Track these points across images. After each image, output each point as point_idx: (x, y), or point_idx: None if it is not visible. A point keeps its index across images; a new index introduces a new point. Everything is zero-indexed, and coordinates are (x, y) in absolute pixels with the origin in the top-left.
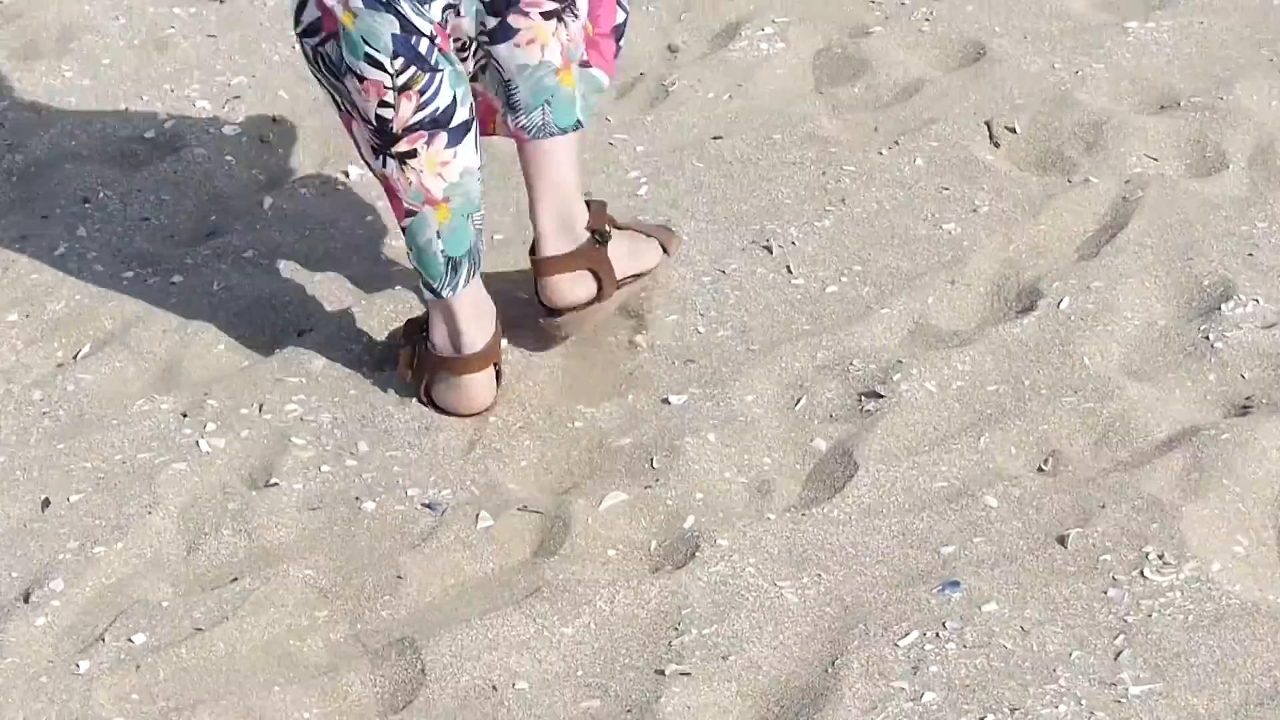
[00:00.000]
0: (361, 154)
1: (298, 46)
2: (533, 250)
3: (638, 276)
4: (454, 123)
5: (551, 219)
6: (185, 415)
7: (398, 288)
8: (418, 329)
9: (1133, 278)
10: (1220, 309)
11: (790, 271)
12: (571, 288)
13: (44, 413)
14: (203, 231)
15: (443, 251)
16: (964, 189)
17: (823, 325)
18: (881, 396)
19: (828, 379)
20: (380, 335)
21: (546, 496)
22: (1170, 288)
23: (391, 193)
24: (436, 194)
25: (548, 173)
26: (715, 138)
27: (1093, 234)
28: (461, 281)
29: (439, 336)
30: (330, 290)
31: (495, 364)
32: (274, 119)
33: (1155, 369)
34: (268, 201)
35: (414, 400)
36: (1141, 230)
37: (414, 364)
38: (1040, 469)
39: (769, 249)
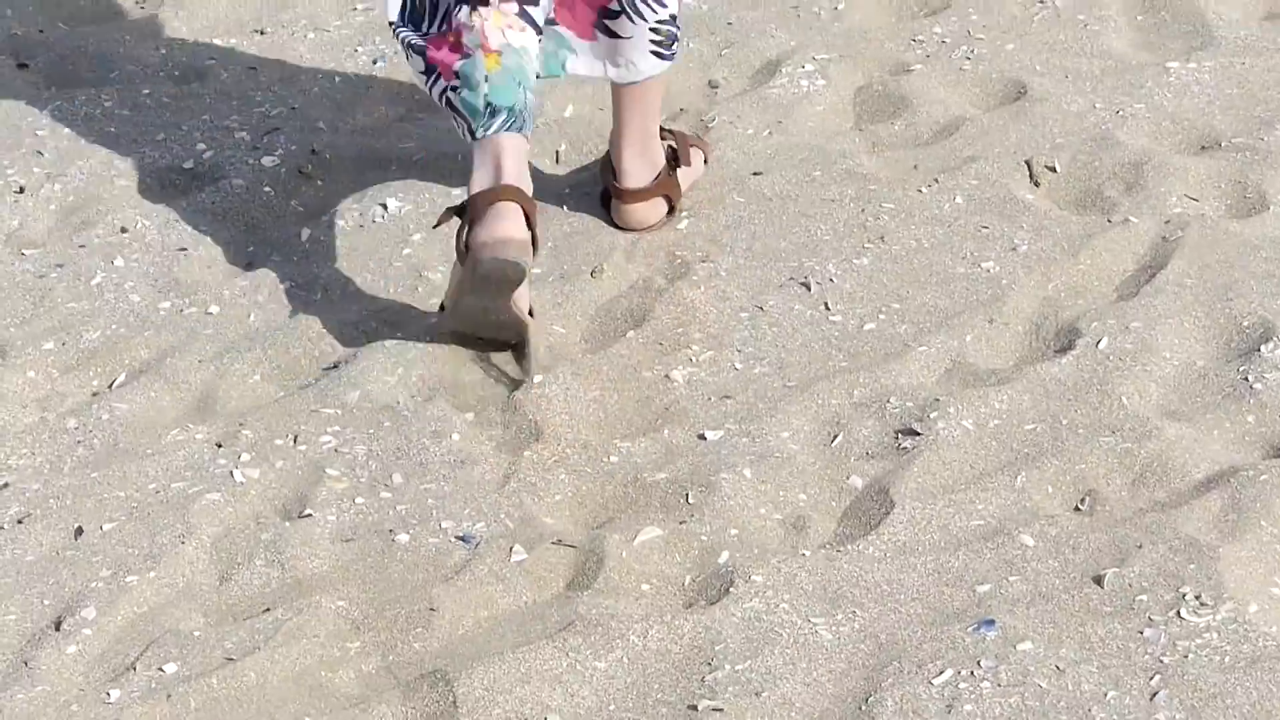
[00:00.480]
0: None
1: None
2: (611, 177)
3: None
4: (528, 8)
5: (634, 156)
6: (220, 445)
7: (433, 320)
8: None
9: (1172, 318)
10: (1259, 350)
11: (828, 308)
12: (648, 212)
13: (78, 441)
14: (240, 263)
15: (486, 96)
16: (1003, 227)
17: (860, 362)
18: (918, 434)
19: (865, 416)
20: (415, 369)
21: (581, 530)
22: (1209, 328)
23: (451, 45)
24: (492, 44)
25: (630, 116)
26: (755, 174)
27: (1132, 274)
28: (496, 125)
29: (476, 181)
30: (367, 323)
31: (529, 213)
32: (313, 151)
33: (1193, 409)
34: (305, 233)
35: (451, 434)
36: (1181, 271)
37: (461, 239)
38: (1077, 508)
39: (807, 286)
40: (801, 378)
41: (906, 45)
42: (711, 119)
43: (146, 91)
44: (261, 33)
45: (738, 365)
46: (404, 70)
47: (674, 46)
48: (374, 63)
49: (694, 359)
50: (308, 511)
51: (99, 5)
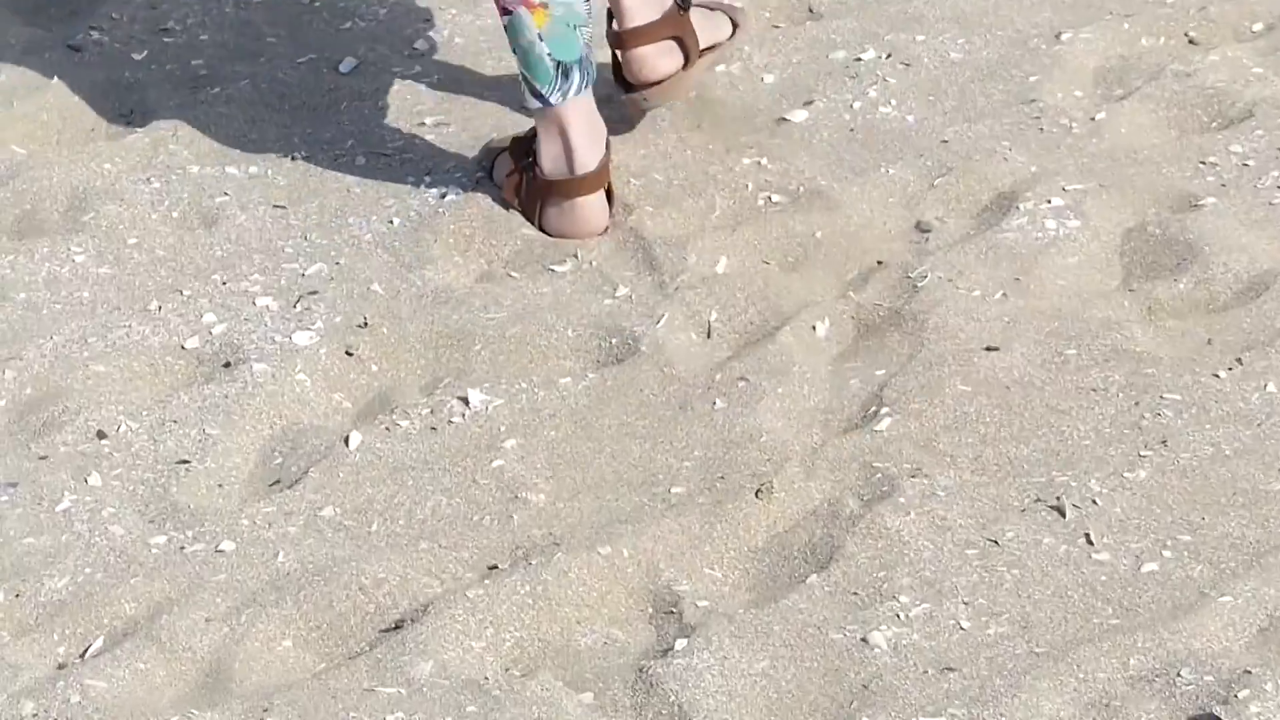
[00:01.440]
0: None
1: None
2: (613, 25)
3: (713, 48)
4: None
5: None
6: None
7: (534, 563)
8: (524, 153)
9: None
10: None
11: (1090, 542)
12: (659, 59)
13: None
14: (265, 480)
15: (549, 55)
16: None
17: (1137, 619)
18: None
19: (1145, 696)
20: (509, 629)
21: None
22: None
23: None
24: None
25: None
26: (987, 350)
27: None
28: (573, 89)
29: (549, 158)
30: (441, 566)
31: (608, 186)
32: (363, 323)
33: None
34: (355, 439)
35: None
36: None
37: (521, 190)
38: None
39: (1060, 510)
40: (1054, 641)
41: (1193, 170)
42: (921, 275)
43: (134, 241)
44: (293, 157)
45: (963, 623)
46: (483, 204)
47: None
48: (444, 196)
49: (902, 615)
50: None
51: (68, 121)
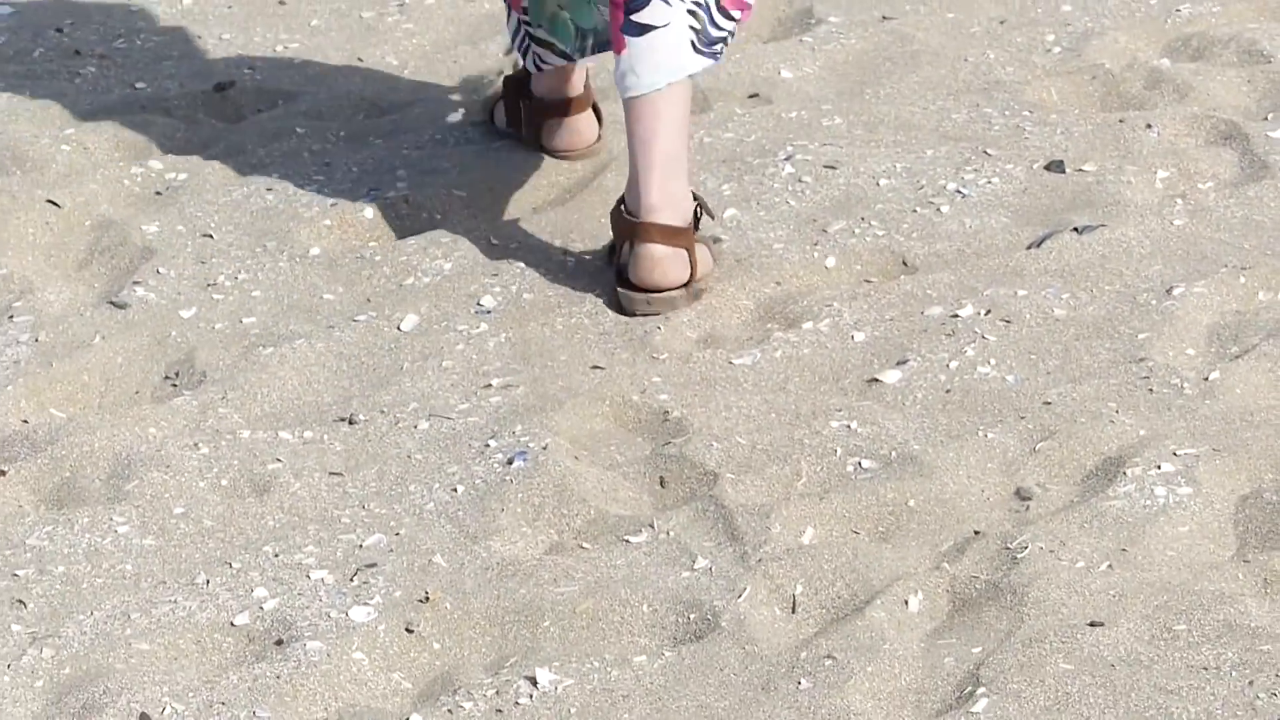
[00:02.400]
0: None
1: None
2: (626, 214)
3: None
4: None
5: (661, 193)
6: None
7: None
8: (518, 89)
9: None
10: None
11: None
12: (672, 265)
13: None
14: None
15: (571, 20)
16: None
17: None
18: None
19: None
20: None
21: None
22: None
23: None
24: None
25: (657, 142)
26: (1090, 625)
27: None
28: (589, 48)
29: (544, 88)
30: None
31: (595, 105)
32: (425, 598)
33: None
34: None
35: None
36: None
37: (522, 119)
38: None
39: None
40: None
41: None
42: (1021, 546)
43: (180, 510)
44: (351, 422)
45: None
46: (554, 471)
47: (717, 46)
48: (510, 463)
49: None
50: None
51: (111, 383)
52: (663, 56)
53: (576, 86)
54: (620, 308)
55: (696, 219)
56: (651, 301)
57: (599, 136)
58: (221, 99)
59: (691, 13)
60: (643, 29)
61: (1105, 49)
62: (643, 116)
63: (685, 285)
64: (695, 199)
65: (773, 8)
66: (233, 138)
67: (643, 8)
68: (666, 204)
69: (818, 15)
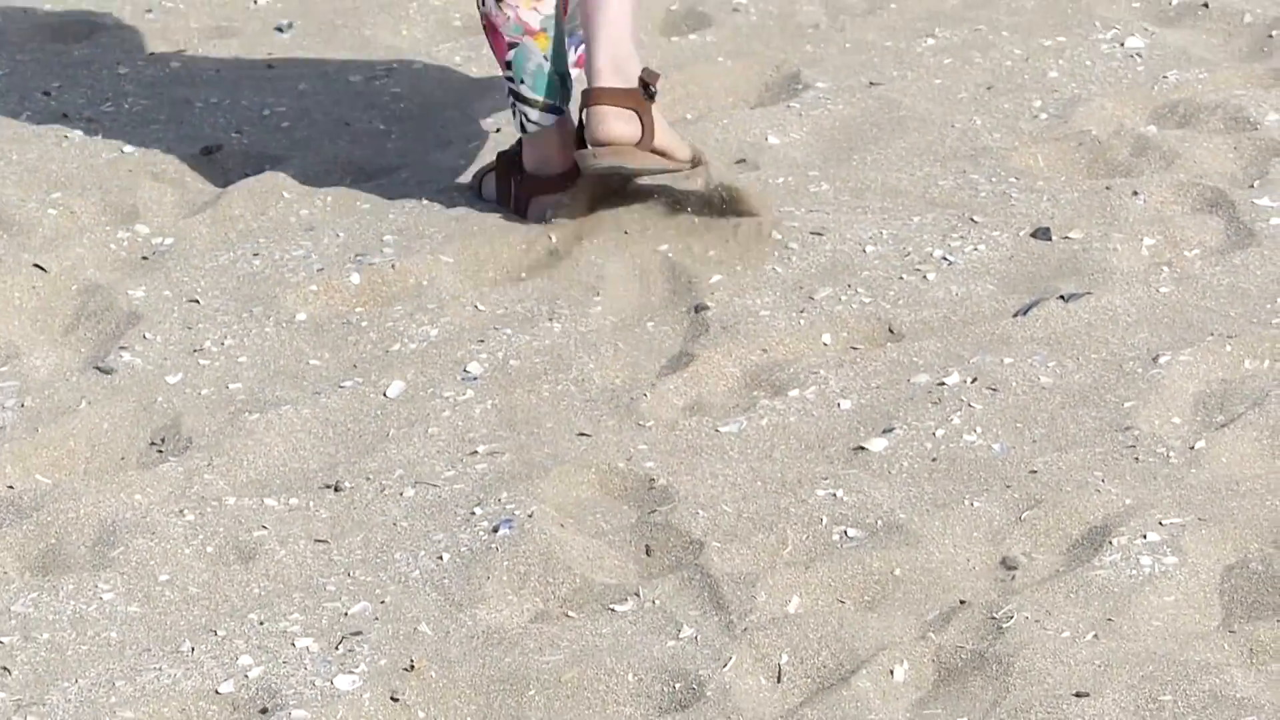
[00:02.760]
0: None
1: None
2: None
3: (665, 157)
4: None
5: (607, 58)
6: None
7: None
8: (509, 164)
9: None
10: None
11: None
12: (618, 121)
13: None
14: None
15: (554, 70)
16: None
17: None
18: None
19: None
20: None
21: None
22: None
23: (492, 29)
24: (534, 25)
25: (602, 12)
26: (1078, 695)
27: None
28: (570, 95)
29: (533, 161)
30: None
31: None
32: (410, 666)
33: None
34: None
35: None
36: None
37: (511, 194)
38: None
39: None
40: None
41: None
42: (1006, 615)
43: (165, 577)
44: (336, 488)
45: None
46: (539, 539)
47: None
48: (496, 530)
49: None
50: None
51: (97, 449)
52: None
53: (568, 160)
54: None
55: (648, 88)
56: (598, 154)
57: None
58: (209, 163)
59: None
60: None
61: (1092, 115)
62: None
63: (638, 144)
64: (644, 67)
65: (760, 73)
66: (220, 202)
67: None
68: (611, 69)
69: (805, 81)
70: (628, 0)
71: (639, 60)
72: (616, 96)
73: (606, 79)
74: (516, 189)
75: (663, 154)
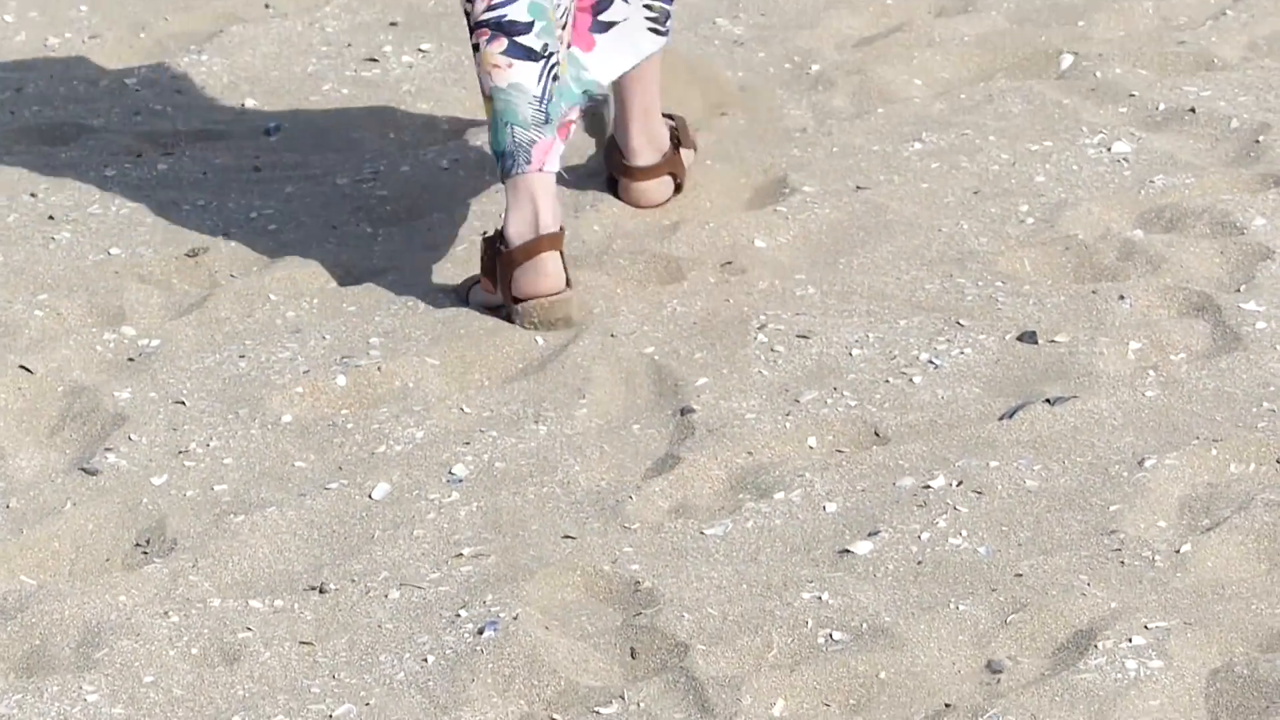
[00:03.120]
0: None
1: None
2: (620, 158)
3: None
4: (519, 39)
5: (640, 134)
6: None
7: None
8: (491, 245)
9: None
10: None
11: None
12: (657, 190)
13: None
14: None
15: (490, 142)
16: None
17: None
18: None
19: None
20: None
21: None
22: None
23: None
24: (485, 88)
25: (632, 96)
26: None
27: None
28: (503, 168)
29: (515, 226)
30: None
31: (562, 252)
32: None
33: None
34: None
35: None
36: None
37: (495, 271)
38: None
39: None
40: None
41: None
42: (992, 719)
43: (150, 679)
44: (321, 590)
45: None
46: (524, 641)
47: (669, 22)
48: (481, 632)
49: None
50: None
51: (82, 550)
52: (626, 44)
53: (547, 224)
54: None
55: (675, 138)
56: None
57: (568, 282)
58: (195, 265)
59: (647, 5)
60: (607, 26)
61: (1079, 220)
62: (617, 84)
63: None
64: (671, 121)
65: (748, 176)
66: (206, 304)
67: (607, 8)
68: (646, 145)
69: (792, 184)
70: (653, 81)
71: (664, 125)
72: (652, 172)
73: (642, 159)
74: (501, 268)
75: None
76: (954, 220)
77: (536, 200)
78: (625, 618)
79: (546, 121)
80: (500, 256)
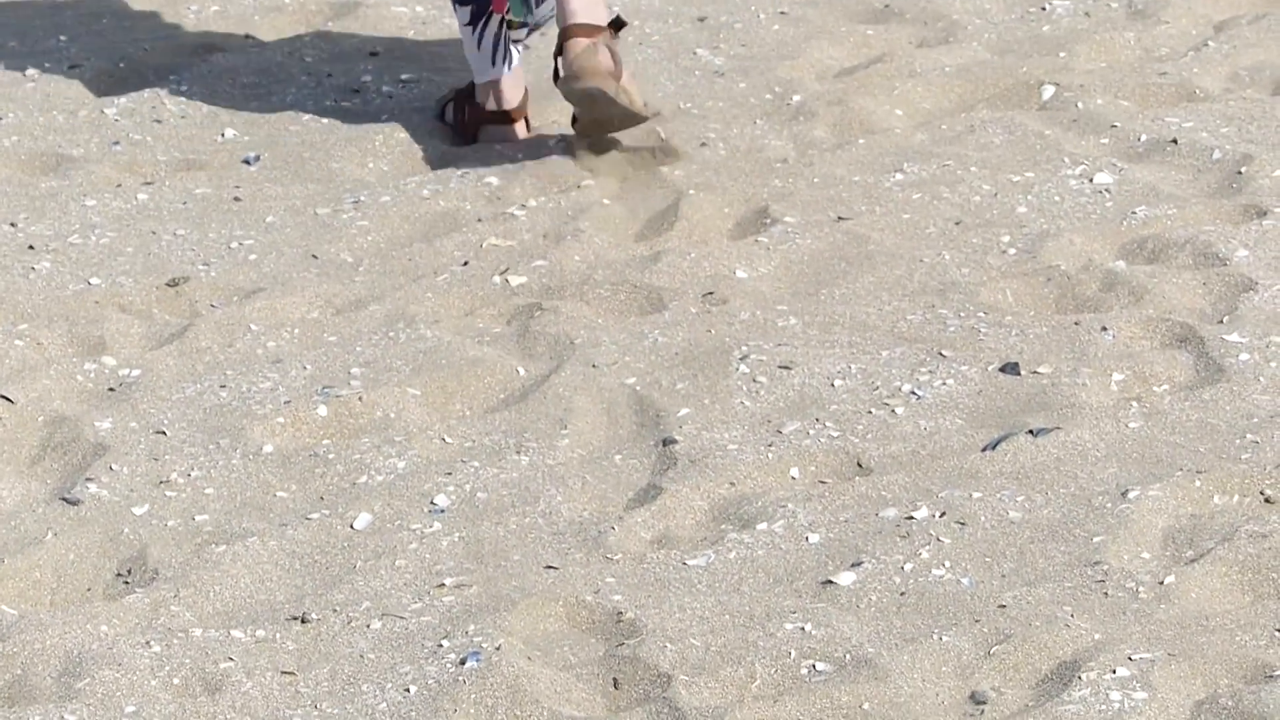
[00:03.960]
0: None
1: None
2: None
3: (630, 97)
4: None
5: (579, 2)
6: None
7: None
8: (467, 97)
9: None
10: None
11: None
12: (594, 53)
13: None
14: None
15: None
16: None
17: None
18: None
19: None
20: None
21: None
22: None
23: None
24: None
25: None
26: None
27: None
28: (533, 5)
29: (487, 99)
30: None
31: (526, 117)
32: None
33: None
34: None
35: None
36: None
37: (465, 119)
38: None
39: None
40: None
41: (1268, 639)
42: None
43: (131, 709)
44: (303, 620)
45: None
46: (507, 672)
47: None
48: (463, 663)
49: None
50: None
51: (63, 580)
52: None
53: (513, 100)
54: (577, 124)
55: (617, 28)
56: (580, 76)
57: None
58: (176, 295)
59: None
60: None
61: (1061, 251)
62: None
63: (611, 73)
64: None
65: (729, 207)
66: (187, 334)
67: None
68: (583, 8)
69: (774, 215)
70: None
71: (607, 7)
72: (590, 31)
73: (580, 17)
74: (470, 118)
75: (629, 93)
76: (936, 251)
77: (515, 77)
78: (608, 648)
79: None
80: (474, 114)
